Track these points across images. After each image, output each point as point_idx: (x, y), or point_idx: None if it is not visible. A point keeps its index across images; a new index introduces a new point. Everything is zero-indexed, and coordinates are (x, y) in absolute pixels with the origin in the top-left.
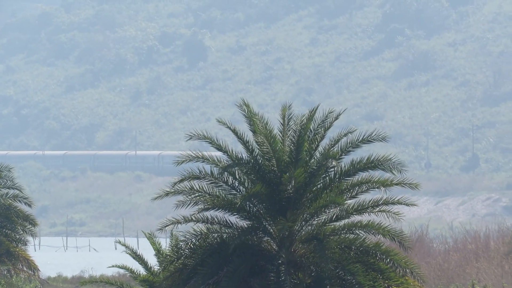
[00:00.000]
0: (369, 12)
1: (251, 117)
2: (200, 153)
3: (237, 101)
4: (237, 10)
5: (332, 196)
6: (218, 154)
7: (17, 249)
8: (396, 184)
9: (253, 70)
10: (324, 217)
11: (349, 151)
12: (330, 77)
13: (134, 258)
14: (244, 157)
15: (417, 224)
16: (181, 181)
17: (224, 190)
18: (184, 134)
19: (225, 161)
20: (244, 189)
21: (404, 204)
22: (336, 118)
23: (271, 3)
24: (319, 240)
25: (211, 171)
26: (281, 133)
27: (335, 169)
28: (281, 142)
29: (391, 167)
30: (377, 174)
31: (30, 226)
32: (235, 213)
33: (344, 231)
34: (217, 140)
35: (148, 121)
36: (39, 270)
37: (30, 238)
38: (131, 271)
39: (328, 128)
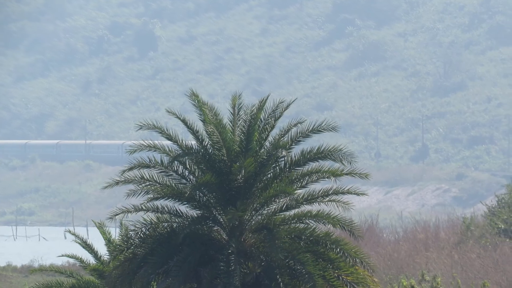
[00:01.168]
0: (319, 2)
1: (201, 107)
2: (151, 143)
3: (187, 91)
4: (187, 0)
5: (282, 186)
6: (169, 143)
7: None
8: (346, 174)
9: (204, 60)
10: (274, 206)
11: (299, 141)
12: (281, 67)
13: (84, 247)
14: (194, 147)
15: (367, 214)
16: (130, 169)
17: (174, 179)
18: (134, 123)
19: (175, 151)
20: (194, 178)
21: (354, 193)
22: (286, 108)
23: None
24: (269, 230)
25: (161, 160)
26: (231, 123)
27: (285, 159)
28: (231, 132)
29: (341, 157)
30: (327, 164)
31: None
32: (185, 203)
33: (294, 221)
34: (167, 130)
35: (98, 110)
36: None
37: None
38: (81, 260)
39: (278, 118)
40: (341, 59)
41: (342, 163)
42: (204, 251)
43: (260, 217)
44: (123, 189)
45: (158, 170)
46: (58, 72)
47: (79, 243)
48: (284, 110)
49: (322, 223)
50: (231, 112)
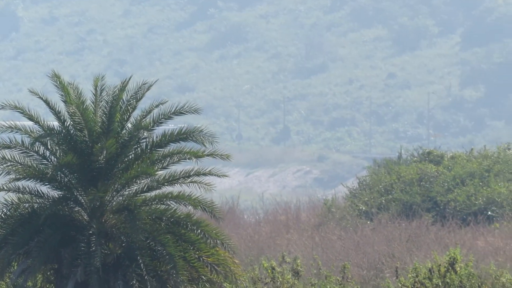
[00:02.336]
0: None
1: (63, 88)
2: (12, 123)
3: (49, 72)
4: None
5: (144, 167)
6: (31, 124)
7: None
8: (207, 155)
9: (66, 41)
10: (135, 187)
11: (161, 122)
12: (143, 48)
13: None
14: (56, 128)
15: (228, 196)
16: None
17: (36, 160)
18: None
19: (37, 132)
20: (55, 159)
21: (215, 175)
22: (148, 89)
23: None
24: (130, 211)
25: (22, 141)
26: (93, 104)
27: (147, 140)
28: (93, 113)
29: (202, 138)
30: (189, 145)
31: None
32: (46, 183)
33: (155, 202)
34: (29, 111)
35: None
36: None
37: None
38: None
39: (140, 99)
40: (203, 41)
41: (204, 145)
42: (65, 232)
43: (121, 198)
44: None
45: (20, 151)
46: None
47: None
48: (146, 91)
49: (183, 205)
50: (93, 93)
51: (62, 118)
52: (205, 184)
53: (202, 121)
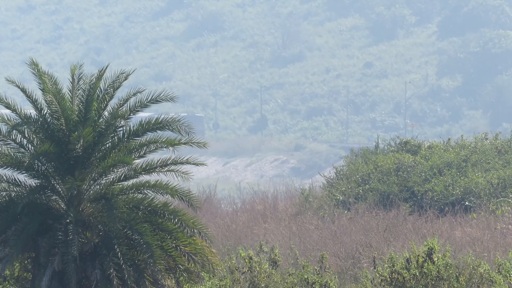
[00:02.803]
0: None
1: (40, 76)
2: None
3: (26, 60)
4: None
5: (121, 155)
6: (8, 112)
7: None
8: (184, 144)
9: (43, 30)
10: (112, 176)
11: (138, 111)
12: (119, 37)
13: None
14: (33, 116)
15: (205, 185)
16: None
17: (13, 148)
18: None
19: (14, 120)
20: (33, 147)
21: (192, 164)
22: (126, 78)
23: None
24: (107, 200)
25: (0, 129)
26: (70, 93)
27: (124, 128)
28: (70, 101)
29: (179, 127)
30: (167, 134)
31: None
32: (24, 172)
33: (133, 191)
34: (6, 99)
35: None
36: None
37: None
38: None
39: (117, 88)
40: (179, 30)
41: (180, 133)
42: (42, 220)
43: (98, 186)
44: None
45: None
46: None
47: None
48: (123, 80)
49: (161, 194)
50: (70, 82)
51: (39, 106)
52: (182, 173)
53: (179, 110)
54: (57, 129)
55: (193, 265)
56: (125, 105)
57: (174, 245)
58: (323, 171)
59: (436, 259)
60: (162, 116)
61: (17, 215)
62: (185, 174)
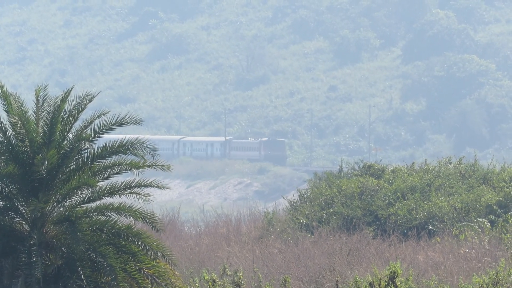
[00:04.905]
0: None
1: (5, 98)
2: None
3: None
4: None
5: (85, 178)
6: None
7: None
8: (148, 166)
9: (7, 51)
10: (76, 198)
11: (102, 133)
12: (84, 59)
13: None
14: None
15: (168, 207)
16: None
17: None
18: None
19: None
20: None
21: (156, 186)
22: (90, 101)
23: None
24: (71, 222)
25: None
26: (35, 114)
27: (88, 151)
28: (34, 123)
29: (143, 150)
30: (131, 157)
31: None
32: None
33: (96, 213)
34: None
35: None
36: None
37: None
38: None
39: (82, 110)
40: (144, 52)
41: (143, 157)
42: (5, 242)
43: (62, 208)
44: None
45: None
46: None
47: None
48: (88, 103)
49: (124, 216)
50: (35, 104)
51: (3, 128)
52: (145, 195)
53: (143, 133)
54: (22, 151)
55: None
56: (90, 127)
57: (137, 267)
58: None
59: (399, 283)
60: (126, 138)
61: None
62: (147, 196)
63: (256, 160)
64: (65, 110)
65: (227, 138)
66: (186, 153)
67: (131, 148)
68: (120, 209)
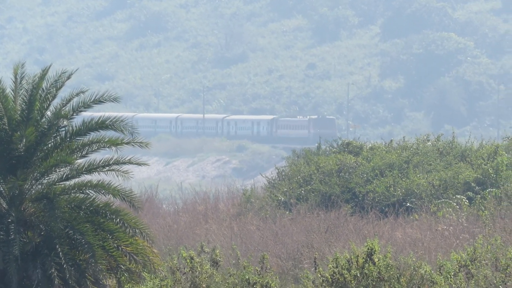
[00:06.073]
0: None
1: None
2: None
3: None
4: None
5: (63, 155)
6: None
7: None
8: (126, 144)
9: None
10: (54, 176)
11: (81, 111)
12: (62, 37)
13: None
14: None
15: (147, 185)
16: None
17: None
18: None
19: None
20: None
21: (134, 163)
22: (68, 78)
23: None
24: (49, 199)
25: None
26: (13, 92)
27: (66, 128)
28: (13, 101)
29: (122, 127)
30: (109, 134)
31: None
32: None
33: (75, 191)
34: None
35: None
36: None
37: None
38: None
39: (60, 87)
40: (122, 30)
41: (123, 133)
42: None
43: (40, 186)
44: None
45: None
46: None
47: None
48: (66, 80)
49: (102, 194)
50: (13, 81)
51: None
52: (124, 172)
53: (122, 110)
54: (0, 129)
55: (134, 265)
56: (68, 105)
57: (115, 245)
58: (265, 172)
59: (377, 260)
60: (105, 116)
61: None
62: (126, 173)
63: (305, 139)
64: (43, 88)
65: (274, 116)
66: (231, 132)
67: (109, 125)
68: (98, 187)
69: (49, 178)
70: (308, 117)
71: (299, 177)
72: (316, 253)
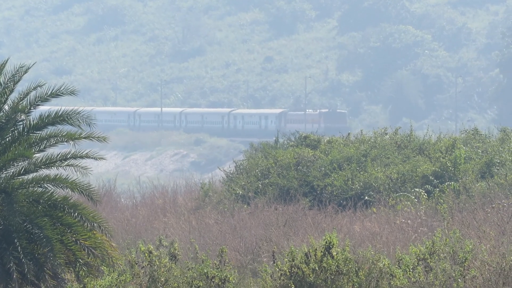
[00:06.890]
0: None
1: None
2: None
3: None
4: None
5: (21, 149)
6: None
7: None
8: (84, 138)
9: None
10: (12, 170)
11: (38, 105)
12: (20, 30)
13: None
14: None
15: (105, 179)
16: None
17: None
18: None
19: None
20: None
21: (92, 158)
22: (26, 72)
23: None
24: (7, 194)
25: None
26: None
27: (24, 122)
28: None
29: (79, 121)
30: (68, 128)
31: None
32: None
33: (33, 185)
34: None
35: None
36: None
37: None
38: None
39: (17, 81)
40: (80, 24)
41: (80, 127)
42: None
43: None
44: None
45: None
46: None
47: None
48: (24, 74)
49: (60, 188)
50: None
51: None
52: (82, 167)
53: (79, 104)
54: None
55: (93, 259)
56: (26, 99)
57: (74, 239)
58: (223, 165)
59: (335, 253)
60: (63, 109)
61: None
62: (84, 168)
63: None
64: (0, 82)
65: (282, 110)
66: (238, 127)
67: (67, 119)
68: (57, 181)
69: (7, 172)
70: (318, 110)
71: (257, 170)
72: (275, 247)
